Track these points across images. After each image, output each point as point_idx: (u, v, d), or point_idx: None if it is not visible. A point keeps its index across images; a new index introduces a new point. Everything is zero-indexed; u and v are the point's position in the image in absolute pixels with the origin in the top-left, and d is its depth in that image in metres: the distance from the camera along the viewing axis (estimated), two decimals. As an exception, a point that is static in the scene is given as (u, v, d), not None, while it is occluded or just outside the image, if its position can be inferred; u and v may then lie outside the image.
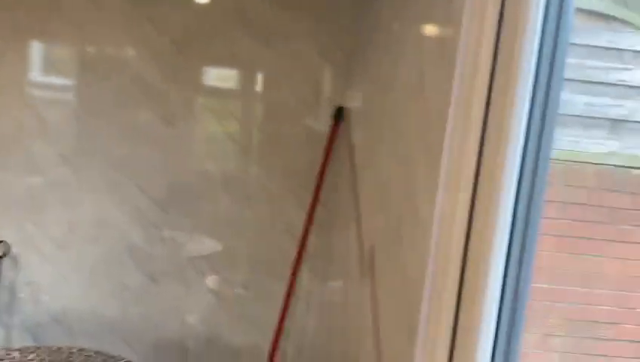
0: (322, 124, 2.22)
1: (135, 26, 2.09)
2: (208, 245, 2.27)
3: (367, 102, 2.01)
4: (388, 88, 1.69)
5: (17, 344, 2.10)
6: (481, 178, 0.92)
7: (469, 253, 0.94)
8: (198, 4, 2.12)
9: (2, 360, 1.59)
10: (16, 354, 1.62)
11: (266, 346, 2.27)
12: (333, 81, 2.21)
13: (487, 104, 0.90)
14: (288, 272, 2.26)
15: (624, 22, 1.73)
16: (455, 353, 0.97)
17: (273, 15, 2.14)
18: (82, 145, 2.15)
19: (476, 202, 0.92)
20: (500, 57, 0.88)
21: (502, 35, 0.88)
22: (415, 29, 1.51)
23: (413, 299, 1.13)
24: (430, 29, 1.41)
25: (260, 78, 2.21)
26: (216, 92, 2.22)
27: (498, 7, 0.88)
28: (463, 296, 0.96)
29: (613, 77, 1.75)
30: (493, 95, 0.88)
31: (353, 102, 2.15)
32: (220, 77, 2.21)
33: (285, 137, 2.23)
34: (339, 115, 2.20)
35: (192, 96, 2.18)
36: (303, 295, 2.26)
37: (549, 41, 0.85)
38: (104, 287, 2.21)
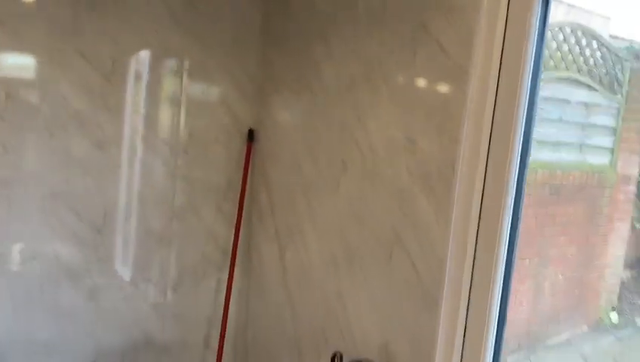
0: (238, 144, 2.64)
1: (64, 58, 2.19)
2: (141, 258, 2.48)
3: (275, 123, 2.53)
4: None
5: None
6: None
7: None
8: (126, 40, 2.33)
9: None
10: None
11: (194, 340, 2.60)
12: (246, 107, 2.64)
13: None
14: (213, 275, 2.63)
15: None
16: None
17: (192, 51, 2.47)
18: (14, 175, 2.16)
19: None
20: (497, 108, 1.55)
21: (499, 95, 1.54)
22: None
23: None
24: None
25: (183, 106, 2.51)
26: (144, 119, 2.43)
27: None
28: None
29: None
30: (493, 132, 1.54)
31: (263, 125, 2.62)
32: (146, 104, 2.43)
33: (208, 157, 2.58)
34: (251, 136, 2.65)
35: (123, 123, 2.36)
36: (237, 291, 2.65)
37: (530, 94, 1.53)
38: (39, 311, 2.24)
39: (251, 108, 2.66)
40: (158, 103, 2.46)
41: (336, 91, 2.10)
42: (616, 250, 4.96)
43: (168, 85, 2.47)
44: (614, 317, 5.30)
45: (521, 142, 1.55)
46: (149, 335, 2.51)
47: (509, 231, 1.58)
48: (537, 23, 1.51)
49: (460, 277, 1.61)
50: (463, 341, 1.66)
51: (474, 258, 1.60)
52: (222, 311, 2.59)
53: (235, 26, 2.56)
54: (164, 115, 2.48)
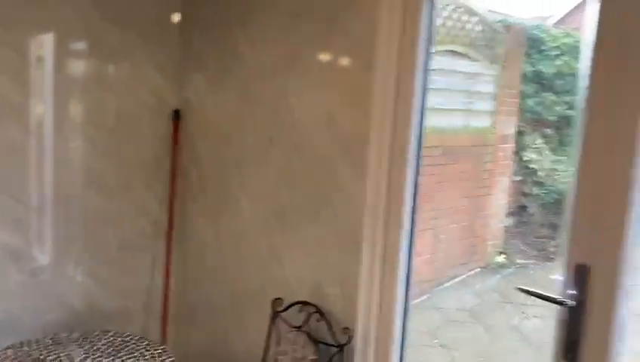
0: (165, 124, 2.81)
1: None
2: (79, 235, 2.61)
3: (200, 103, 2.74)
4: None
5: None
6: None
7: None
8: (47, 25, 2.40)
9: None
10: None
11: (135, 307, 2.79)
12: (170, 88, 2.81)
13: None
14: (150, 246, 2.83)
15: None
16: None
17: (113, 34, 2.59)
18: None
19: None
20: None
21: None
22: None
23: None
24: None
25: (109, 88, 2.63)
26: (70, 101, 2.53)
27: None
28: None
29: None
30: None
31: (188, 105, 2.81)
32: (71, 87, 2.53)
33: (136, 137, 2.73)
34: (176, 115, 2.83)
35: (49, 107, 2.46)
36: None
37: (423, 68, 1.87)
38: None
39: (175, 89, 2.83)
40: (83, 86, 2.56)
41: (261, 74, 2.34)
42: (499, 201, 5.70)
43: (92, 68, 2.57)
44: (500, 258, 6.10)
45: (418, 111, 1.90)
46: (93, 306, 2.67)
47: (412, 187, 1.94)
48: (428, 6, 1.85)
49: (375, 226, 1.96)
50: (381, 279, 2.02)
51: (385, 210, 1.95)
52: (162, 280, 2.80)
53: (154, 11, 2.71)
54: (90, 97, 2.58)
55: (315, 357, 1.98)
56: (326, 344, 2.00)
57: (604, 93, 1.41)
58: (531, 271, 5.42)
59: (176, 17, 2.78)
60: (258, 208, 2.40)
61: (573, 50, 6.46)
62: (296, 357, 2.03)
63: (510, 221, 5.87)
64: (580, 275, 1.45)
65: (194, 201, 2.78)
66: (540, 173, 6.08)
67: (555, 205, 6.18)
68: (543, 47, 6.11)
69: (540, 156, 6.20)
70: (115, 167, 2.69)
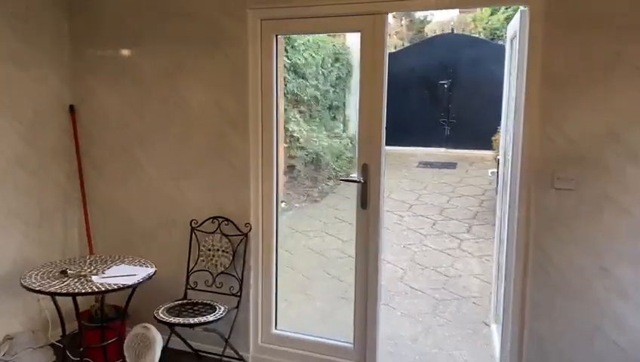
0: (66, 116, 3.66)
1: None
2: (13, 205, 3.36)
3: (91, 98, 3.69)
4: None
5: None
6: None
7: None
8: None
9: None
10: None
11: (55, 258, 3.61)
12: (65, 87, 3.65)
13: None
14: (69, 212, 3.68)
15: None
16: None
17: (16, 44, 3.36)
18: None
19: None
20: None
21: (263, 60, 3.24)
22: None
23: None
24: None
25: (22, 89, 3.39)
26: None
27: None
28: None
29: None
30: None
31: (83, 101, 3.70)
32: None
33: (46, 128, 3.54)
34: (72, 109, 3.69)
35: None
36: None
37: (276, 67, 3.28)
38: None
39: (70, 88, 3.69)
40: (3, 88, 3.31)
41: (157, 77, 3.45)
42: (280, 161, 7.36)
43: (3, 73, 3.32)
44: (282, 205, 7.98)
45: (275, 96, 3.32)
46: (29, 261, 3.43)
47: (276, 144, 3.37)
48: (274, 37, 3.27)
49: (257, 167, 3.34)
50: (262, 199, 3.40)
51: (261, 157, 3.34)
52: (85, 236, 3.69)
53: (43, 25, 3.52)
54: (5, 96, 3.33)
55: (228, 244, 3.30)
56: (234, 236, 3.32)
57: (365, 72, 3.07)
58: (305, 210, 7.35)
59: (64, 34, 3.64)
60: (163, 169, 3.53)
61: (314, 45, 8.54)
62: (216, 248, 3.32)
63: (286, 177, 7.69)
64: (364, 169, 3.10)
65: (100, 174, 3.72)
66: (301, 140, 8.03)
67: (314, 163, 8.24)
68: (295, 43, 7.98)
69: (298, 127, 8.13)
70: (36, 150, 3.48)
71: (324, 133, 8.91)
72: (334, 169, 8.59)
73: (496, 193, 3.75)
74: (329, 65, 9.14)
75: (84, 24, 3.62)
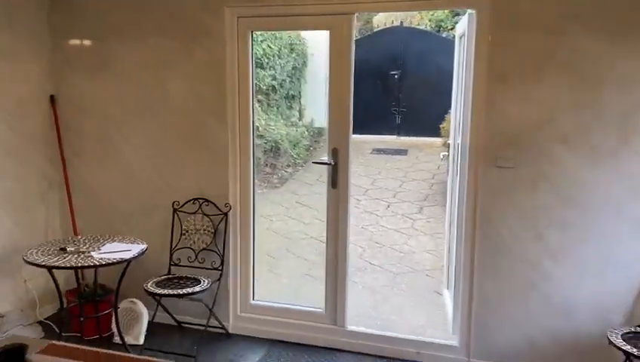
0: (47, 106, 3.84)
1: None
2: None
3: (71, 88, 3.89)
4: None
5: None
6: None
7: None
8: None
9: None
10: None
11: (38, 241, 3.82)
12: (47, 80, 3.83)
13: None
14: (46, 196, 3.87)
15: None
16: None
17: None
18: None
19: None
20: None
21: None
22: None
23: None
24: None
25: (6, 81, 3.56)
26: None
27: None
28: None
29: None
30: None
31: (63, 92, 3.89)
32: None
33: (29, 117, 3.72)
34: (52, 99, 3.88)
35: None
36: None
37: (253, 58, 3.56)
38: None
39: (51, 79, 3.87)
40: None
41: (139, 70, 3.69)
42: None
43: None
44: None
45: (252, 87, 3.63)
46: (15, 244, 3.63)
47: (252, 131, 3.69)
48: (250, 33, 3.57)
49: (235, 152, 3.64)
50: (240, 181, 3.72)
51: (239, 142, 3.65)
52: (67, 219, 3.89)
53: (25, 18, 3.69)
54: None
55: (209, 223, 3.61)
56: (214, 215, 3.63)
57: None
58: (266, 196, 7.67)
59: (45, 31, 3.82)
60: (143, 154, 3.78)
61: (272, 36, 8.81)
62: (197, 228, 3.62)
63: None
64: (334, 152, 3.47)
65: (81, 160, 3.93)
66: (260, 129, 8.30)
67: (273, 151, 8.54)
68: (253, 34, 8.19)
69: (257, 115, 8.41)
70: (18, 138, 3.65)
71: (282, 121, 9.22)
72: (292, 156, 8.93)
73: (447, 173, 4.21)
74: (285, 55, 9.43)
75: (64, 18, 3.81)
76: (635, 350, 2.65)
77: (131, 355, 1.74)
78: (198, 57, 3.59)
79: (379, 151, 10.12)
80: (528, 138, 3.06)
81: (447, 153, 4.07)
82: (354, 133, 3.48)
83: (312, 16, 3.41)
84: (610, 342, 2.75)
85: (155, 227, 3.76)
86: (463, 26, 3.46)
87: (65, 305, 3.42)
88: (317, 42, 10.59)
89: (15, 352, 1.64)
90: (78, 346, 1.73)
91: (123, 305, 3.62)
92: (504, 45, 3.04)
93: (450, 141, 4.07)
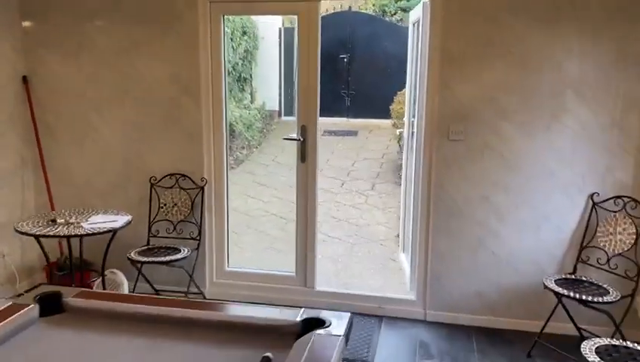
0: (20, 86, 3.94)
1: None
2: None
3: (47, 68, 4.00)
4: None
5: None
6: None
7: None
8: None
9: None
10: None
11: (15, 219, 3.95)
12: (20, 61, 3.92)
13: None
14: (20, 174, 3.99)
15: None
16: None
17: None
18: None
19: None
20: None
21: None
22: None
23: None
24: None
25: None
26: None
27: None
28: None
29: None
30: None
31: (36, 73, 3.99)
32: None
33: (1, 97, 3.81)
34: (25, 80, 3.98)
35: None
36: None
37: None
38: None
39: (24, 62, 3.96)
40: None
41: (114, 52, 3.86)
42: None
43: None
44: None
45: (224, 68, 3.87)
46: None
47: (225, 109, 3.93)
48: (221, 18, 3.80)
49: (209, 129, 3.88)
50: (214, 156, 3.96)
51: (212, 120, 3.89)
52: (42, 197, 4.02)
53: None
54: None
55: (187, 196, 3.85)
56: (190, 189, 3.87)
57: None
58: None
59: (15, 13, 3.91)
60: (119, 132, 3.96)
61: (225, 19, 8.93)
62: (175, 201, 3.86)
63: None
64: (303, 129, 3.79)
65: (55, 139, 4.05)
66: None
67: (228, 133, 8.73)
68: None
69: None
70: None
71: (234, 103, 9.40)
72: (247, 138, 9.15)
73: (402, 149, 4.62)
74: (237, 38, 9.58)
75: (36, 1, 3.91)
76: (565, 291, 3.15)
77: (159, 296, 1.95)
78: (172, 40, 3.79)
79: (330, 133, 10.48)
80: (476, 114, 3.48)
81: (403, 130, 4.47)
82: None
83: (280, 2, 3.69)
84: (546, 287, 3.24)
85: (131, 202, 3.96)
86: (417, 14, 3.84)
87: (50, 276, 3.59)
88: (267, 25, 10.80)
89: (53, 297, 1.88)
90: (104, 291, 1.97)
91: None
92: (454, 32, 3.43)
93: (405, 119, 4.47)
